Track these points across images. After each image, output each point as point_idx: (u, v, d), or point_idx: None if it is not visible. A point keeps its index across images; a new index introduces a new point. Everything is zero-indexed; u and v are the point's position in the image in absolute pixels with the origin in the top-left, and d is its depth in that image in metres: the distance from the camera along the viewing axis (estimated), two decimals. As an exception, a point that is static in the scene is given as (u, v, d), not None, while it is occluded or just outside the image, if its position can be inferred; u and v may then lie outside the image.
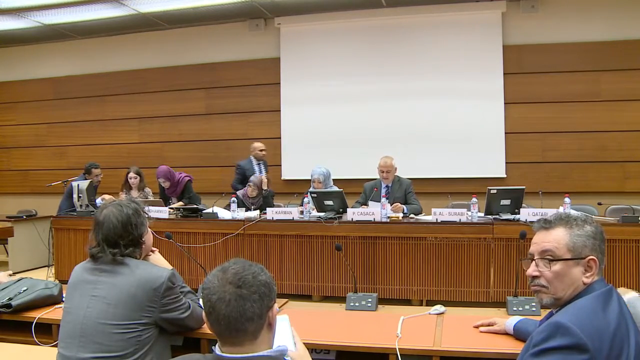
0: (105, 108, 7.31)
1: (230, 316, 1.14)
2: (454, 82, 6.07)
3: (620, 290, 1.37)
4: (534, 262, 1.38)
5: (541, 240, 1.37)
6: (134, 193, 5.41)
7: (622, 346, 1.19)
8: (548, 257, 1.34)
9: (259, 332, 1.17)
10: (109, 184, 5.96)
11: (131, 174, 5.47)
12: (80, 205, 5.03)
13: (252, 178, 5.16)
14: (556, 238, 1.34)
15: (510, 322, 1.89)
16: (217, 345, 1.19)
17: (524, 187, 4.20)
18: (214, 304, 1.15)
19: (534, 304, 2.24)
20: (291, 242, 4.25)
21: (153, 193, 5.68)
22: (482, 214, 4.16)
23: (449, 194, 5.18)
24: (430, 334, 1.98)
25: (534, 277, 1.37)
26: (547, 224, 1.38)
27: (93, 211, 4.75)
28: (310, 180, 4.98)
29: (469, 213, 4.03)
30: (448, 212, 4.06)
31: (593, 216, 4.25)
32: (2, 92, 7.75)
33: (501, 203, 4.05)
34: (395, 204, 4.40)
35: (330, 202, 4.42)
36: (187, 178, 5.47)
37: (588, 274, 1.31)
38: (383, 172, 4.70)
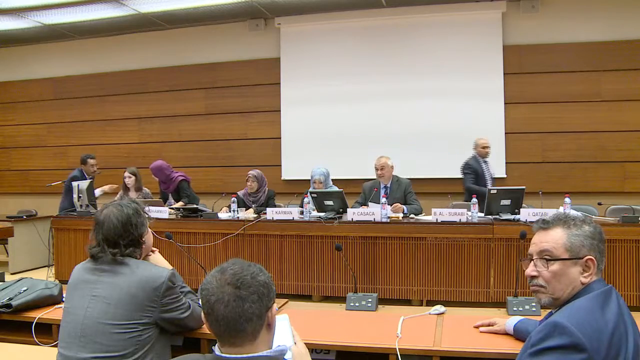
0: (105, 108, 7.31)
1: (229, 317, 1.14)
2: (454, 82, 6.07)
3: None
4: (532, 262, 1.38)
5: (539, 241, 1.38)
6: (132, 194, 5.39)
7: (620, 346, 1.19)
8: (546, 257, 1.35)
9: (258, 332, 1.17)
10: (109, 184, 5.96)
11: (126, 174, 5.46)
12: (81, 205, 5.03)
13: (251, 172, 5.12)
14: (554, 238, 1.35)
15: (510, 322, 1.89)
16: (216, 346, 1.19)
17: (524, 187, 4.20)
18: (212, 305, 1.15)
19: (534, 304, 2.24)
20: (291, 242, 4.25)
21: (152, 193, 5.67)
22: (482, 214, 4.16)
23: (449, 194, 5.18)
24: (430, 334, 1.97)
25: (533, 277, 1.37)
26: (545, 224, 1.39)
27: (93, 212, 4.76)
28: (309, 180, 4.98)
29: (469, 213, 4.04)
30: (448, 212, 4.07)
31: (593, 216, 4.25)
32: (2, 92, 7.75)
33: (501, 203, 4.05)
34: (395, 205, 4.40)
35: (330, 202, 4.42)
36: (182, 178, 5.45)
37: (586, 274, 1.31)
38: (378, 170, 4.71)
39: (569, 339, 1.17)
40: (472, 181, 5.06)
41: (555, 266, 1.32)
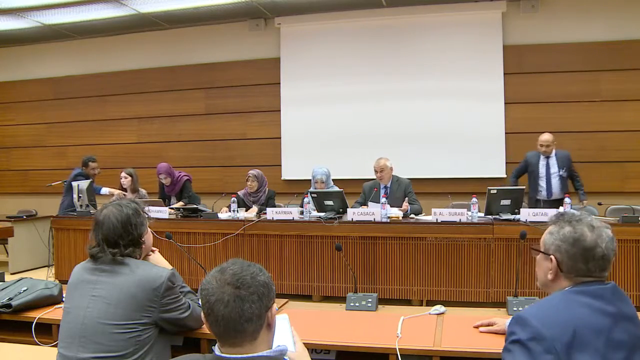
0: (105, 108, 7.31)
1: (229, 317, 1.14)
2: (454, 82, 6.07)
3: None
4: None
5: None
6: (128, 195, 5.38)
7: (590, 338, 1.20)
8: (537, 247, 1.48)
9: (258, 332, 1.17)
10: (108, 184, 5.96)
11: (122, 174, 5.45)
12: (81, 205, 5.03)
13: (251, 171, 5.12)
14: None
15: (510, 322, 1.90)
16: (216, 346, 1.19)
17: (524, 187, 4.20)
18: (212, 305, 1.15)
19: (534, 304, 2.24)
20: (291, 242, 4.25)
21: (149, 193, 5.66)
22: (482, 214, 4.16)
23: (449, 194, 5.18)
24: (430, 334, 1.97)
25: None
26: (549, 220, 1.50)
27: (93, 212, 4.75)
28: (310, 180, 4.98)
29: (469, 213, 4.04)
30: (448, 212, 4.07)
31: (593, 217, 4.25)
32: (2, 92, 7.75)
33: (501, 203, 4.05)
34: (404, 206, 4.41)
35: (330, 202, 4.42)
36: (186, 177, 5.47)
37: (550, 272, 1.38)
38: (377, 172, 4.72)
39: (530, 330, 1.22)
40: (516, 172, 5.24)
41: (538, 256, 1.45)
